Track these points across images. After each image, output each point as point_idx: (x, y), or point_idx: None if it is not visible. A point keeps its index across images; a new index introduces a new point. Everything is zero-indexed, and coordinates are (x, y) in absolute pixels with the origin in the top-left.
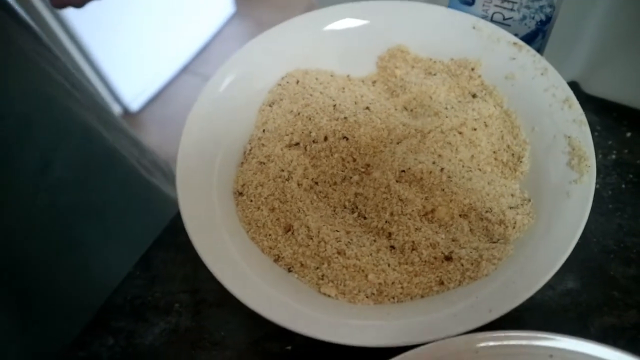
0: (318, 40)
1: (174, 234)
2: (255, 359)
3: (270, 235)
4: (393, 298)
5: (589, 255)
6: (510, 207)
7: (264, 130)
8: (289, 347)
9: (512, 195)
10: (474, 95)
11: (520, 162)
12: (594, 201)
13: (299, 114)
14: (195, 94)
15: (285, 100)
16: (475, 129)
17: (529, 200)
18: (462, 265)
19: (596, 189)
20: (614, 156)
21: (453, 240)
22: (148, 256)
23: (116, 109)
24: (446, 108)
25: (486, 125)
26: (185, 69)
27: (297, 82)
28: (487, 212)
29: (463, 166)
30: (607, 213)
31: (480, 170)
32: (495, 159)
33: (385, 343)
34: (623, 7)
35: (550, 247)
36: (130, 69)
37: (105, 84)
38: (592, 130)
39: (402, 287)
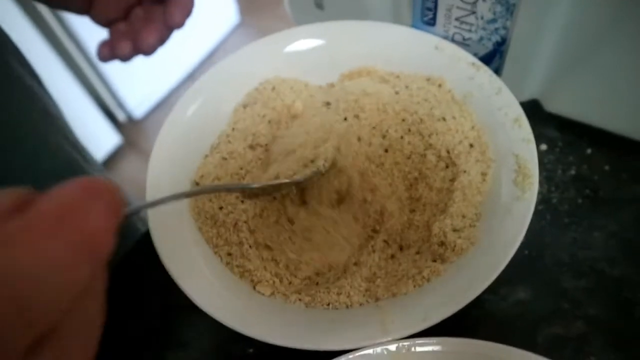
0: (287, 62)
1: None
2: None
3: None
4: (328, 305)
5: (542, 267)
6: (454, 230)
7: (233, 129)
8: (251, 350)
9: (464, 216)
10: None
11: (484, 180)
12: (550, 215)
13: (264, 117)
14: None
15: (258, 104)
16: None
17: (476, 224)
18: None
19: (553, 203)
20: (573, 172)
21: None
22: (120, 261)
23: (120, 116)
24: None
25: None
26: (190, 77)
27: (273, 88)
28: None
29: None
30: (562, 226)
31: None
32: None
33: (325, 347)
34: (577, 28)
35: (486, 263)
36: (135, 76)
37: (109, 90)
38: (554, 146)
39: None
